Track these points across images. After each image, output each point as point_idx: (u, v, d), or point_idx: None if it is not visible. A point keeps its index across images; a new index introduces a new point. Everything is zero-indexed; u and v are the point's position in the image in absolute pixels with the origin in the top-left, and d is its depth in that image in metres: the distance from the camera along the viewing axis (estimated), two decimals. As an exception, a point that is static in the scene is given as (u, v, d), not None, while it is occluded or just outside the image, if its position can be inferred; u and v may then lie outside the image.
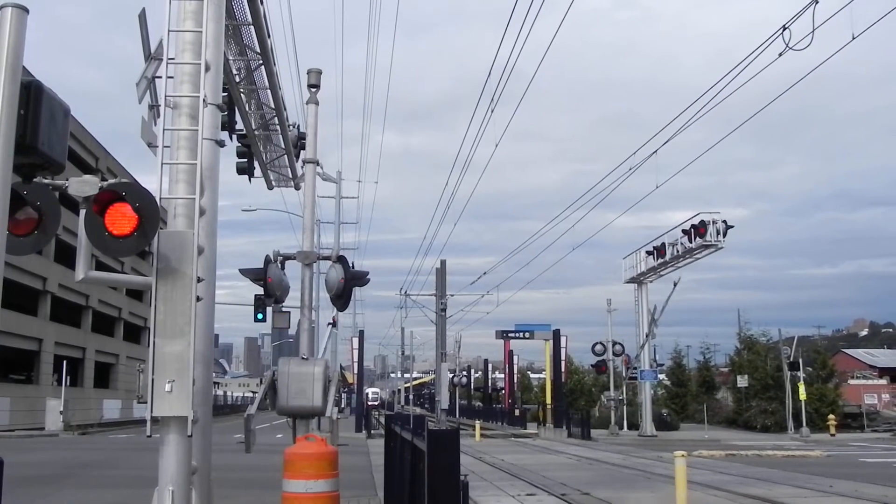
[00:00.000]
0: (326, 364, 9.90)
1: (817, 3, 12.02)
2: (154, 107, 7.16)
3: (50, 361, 45.89)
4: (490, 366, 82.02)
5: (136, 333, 62.63)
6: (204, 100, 6.01)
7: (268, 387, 9.75)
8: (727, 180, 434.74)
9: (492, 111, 17.76)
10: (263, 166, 14.46)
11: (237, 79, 11.27)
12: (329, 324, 13.31)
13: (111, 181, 5.51)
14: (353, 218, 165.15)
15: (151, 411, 5.42)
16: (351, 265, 11.32)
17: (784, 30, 12.77)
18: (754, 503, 13.13)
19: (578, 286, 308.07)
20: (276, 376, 9.60)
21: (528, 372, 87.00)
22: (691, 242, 34.50)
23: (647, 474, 17.86)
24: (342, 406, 53.91)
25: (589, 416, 37.98)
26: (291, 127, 13.42)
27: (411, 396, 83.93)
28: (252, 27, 10.08)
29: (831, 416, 38.23)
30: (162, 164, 5.80)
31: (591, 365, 45.13)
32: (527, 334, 49.65)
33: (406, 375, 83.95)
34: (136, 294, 59.87)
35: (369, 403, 58.31)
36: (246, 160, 13.45)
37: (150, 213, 5.27)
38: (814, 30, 12.00)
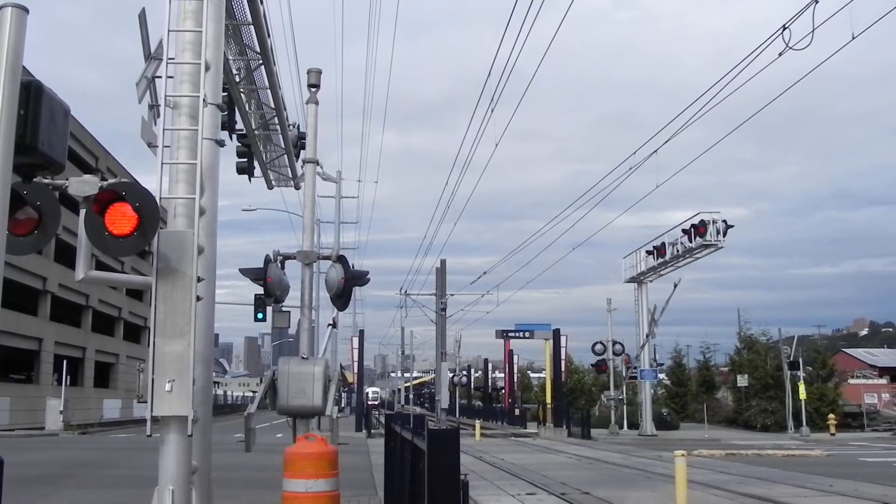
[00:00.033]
0: (326, 363, 9.91)
1: (817, 2, 12.02)
2: (154, 106, 7.16)
3: (50, 361, 45.89)
4: (490, 365, 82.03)
5: (136, 333, 62.63)
6: (204, 100, 6.01)
7: (268, 386, 9.76)
8: (727, 180, 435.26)
9: (492, 111, 17.77)
10: (263, 166, 14.46)
11: (237, 79, 11.27)
12: (329, 325, 13.31)
13: (111, 181, 5.51)
14: (353, 218, 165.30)
15: (151, 411, 5.42)
16: (350, 265, 11.33)
17: (784, 30, 12.77)
18: (754, 502, 13.14)
19: (578, 286, 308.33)
20: (277, 376, 9.61)
21: (528, 371, 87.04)
22: (691, 242, 34.50)
23: (647, 474, 17.86)
24: (342, 405, 53.95)
25: (589, 415, 37.99)
26: (291, 127, 13.42)
27: (411, 396, 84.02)
28: (252, 27, 10.08)
29: (831, 416, 38.23)
30: (162, 163, 5.81)
31: (591, 364, 45.14)
32: (527, 334, 49.65)
33: (406, 375, 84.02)
34: (136, 294, 59.88)
35: (369, 403, 58.32)
36: (246, 160, 13.45)
37: (150, 212, 5.28)
38: (814, 29, 12.00)
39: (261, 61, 11.00)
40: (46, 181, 5.27)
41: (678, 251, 35.69)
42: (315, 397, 9.46)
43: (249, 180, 13.78)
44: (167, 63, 6.02)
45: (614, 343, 40.33)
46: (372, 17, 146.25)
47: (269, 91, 11.98)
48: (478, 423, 40.42)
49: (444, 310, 41.93)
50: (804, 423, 36.72)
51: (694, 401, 49.73)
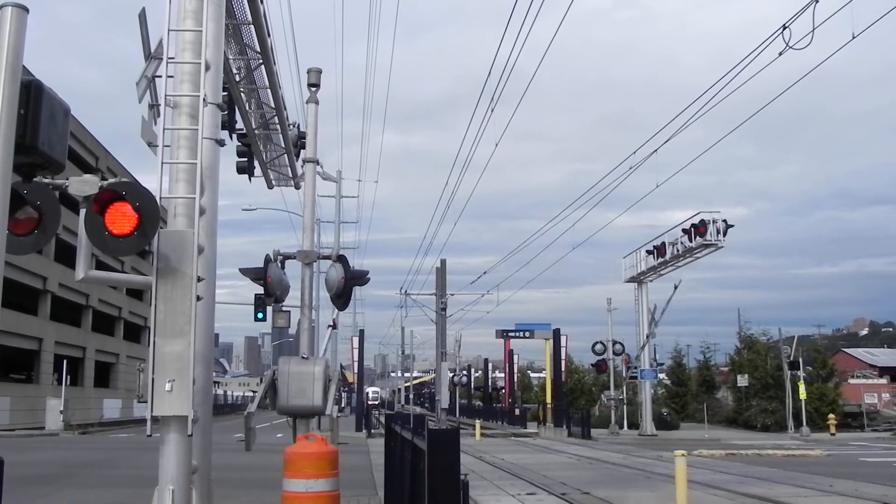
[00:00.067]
0: (327, 363, 9.90)
1: (817, 2, 12.02)
2: (154, 106, 7.15)
3: (50, 361, 45.89)
4: (490, 365, 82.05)
5: (136, 333, 62.63)
6: (204, 99, 6.01)
7: (268, 386, 9.76)
8: (727, 179, 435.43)
9: (492, 111, 17.77)
10: (263, 166, 14.46)
11: (237, 78, 11.27)
12: (329, 326, 13.30)
13: (111, 180, 5.51)
14: (353, 217, 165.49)
15: (152, 411, 5.42)
16: (350, 265, 11.32)
17: (784, 29, 12.76)
18: (754, 502, 13.13)
19: (578, 285, 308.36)
20: (277, 375, 9.60)
21: (529, 371, 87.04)
22: (691, 242, 34.50)
23: (647, 474, 17.86)
24: (342, 405, 53.92)
25: (589, 415, 37.99)
26: (291, 126, 13.41)
27: (411, 396, 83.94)
28: (252, 26, 10.08)
29: (831, 416, 38.24)
30: (162, 163, 5.80)
31: (592, 364, 45.13)
32: (527, 333, 49.65)
33: (406, 375, 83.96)
34: (137, 293, 59.88)
35: (369, 403, 58.31)
36: (246, 159, 13.44)
37: (150, 212, 5.27)
38: (814, 29, 12.00)
39: (261, 61, 11.00)
40: (46, 181, 5.27)
41: (678, 251, 35.69)
42: (315, 397, 9.46)
43: (249, 180, 13.78)
44: (167, 62, 6.02)
45: (614, 343, 40.33)
46: (372, 16, 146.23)
47: (269, 91, 11.97)
48: (478, 422, 40.42)
49: (444, 310, 41.93)
50: (804, 423, 36.73)
51: (694, 401, 49.74)
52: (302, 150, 13.01)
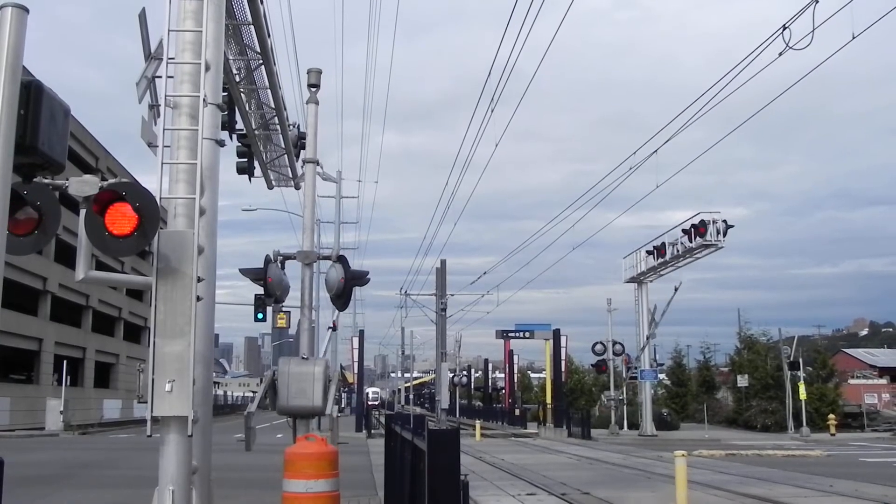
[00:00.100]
0: (327, 364, 9.90)
1: (817, 2, 12.02)
2: (154, 106, 7.16)
3: (50, 361, 45.90)
4: (490, 365, 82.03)
5: (136, 333, 62.64)
6: (204, 99, 6.01)
7: (268, 386, 9.75)
8: (727, 180, 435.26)
9: (492, 111, 17.77)
10: (263, 166, 14.46)
11: (237, 78, 11.27)
12: (329, 328, 13.29)
13: (111, 181, 5.51)
14: (353, 218, 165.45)
15: (152, 411, 5.42)
16: (350, 266, 11.31)
17: (784, 29, 12.77)
18: (755, 503, 13.14)
19: (578, 286, 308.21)
20: (277, 376, 9.60)
21: (529, 371, 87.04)
22: (691, 242, 34.50)
23: (647, 474, 17.86)
24: (342, 406, 53.92)
25: (589, 415, 37.98)
26: (291, 127, 13.41)
27: (411, 396, 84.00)
28: (252, 27, 10.07)
29: (831, 416, 38.23)
30: (162, 163, 5.80)
31: (592, 364, 45.13)
32: (527, 334, 49.64)
33: (406, 375, 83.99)
34: (137, 294, 59.88)
35: (369, 403, 58.31)
36: (246, 160, 13.44)
37: (150, 212, 5.27)
38: (814, 29, 12.00)
39: (261, 61, 10.99)
40: (46, 181, 5.27)
41: (678, 251, 35.70)
42: (315, 397, 9.46)
43: (249, 180, 13.78)
44: (167, 63, 6.02)
45: (614, 343, 40.33)
46: (372, 17, 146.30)
47: (269, 91, 11.97)
48: (478, 423, 40.43)
49: (444, 310, 41.94)
50: (804, 423, 36.71)
51: (694, 401, 49.73)
52: (302, 151, 13.01)
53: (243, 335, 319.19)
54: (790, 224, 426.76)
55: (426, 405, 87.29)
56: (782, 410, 39.89)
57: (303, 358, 9.96)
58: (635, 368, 39.40)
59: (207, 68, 6.08)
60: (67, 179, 5.41)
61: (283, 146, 13.86)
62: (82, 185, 5.42)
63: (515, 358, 67.73)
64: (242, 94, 11.78)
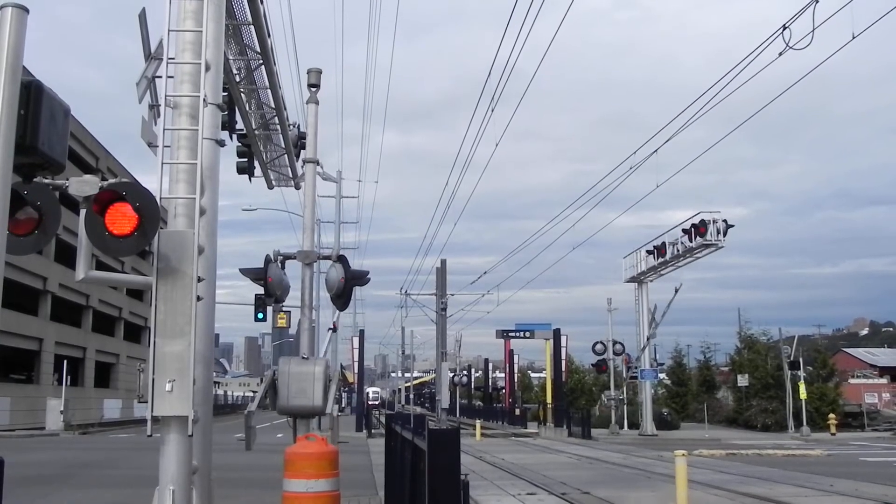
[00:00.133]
0: (327, 363, 9.90)
1: (817, 2, 12.02)
2: (154, 106, 7.16)
3: (50, 361, 45.89)
4: (490, 365, 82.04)
5: (136, 333, 62.64)
6: (204, 99, 6.01)
7: (268, 386, 9.75)
8: (728, 179, 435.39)
9: (492, 111, 17.77)
10: (263, 166, 14.46)
11: (237, 78, 11.27)
12: (330, 329, 13.29)
13: (111, 181, 5.51)
14: (353, 217, 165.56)
15: (152, 411, 5.42)
16: (350, 265, 11.31)
17: (784, 29, 12.77)
18: (755, 502, 13.13)
19: (579, 285, 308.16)
20: (277, 376, 9.60)
21: (529, 371, 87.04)
22: (692, 242, 34.51)
23: (647, 473, 17.86)
24: (342, 405, 53.89)
25: (589, 415, 37.99)
26: (291, 126, 13.41)
27: (412, 396, 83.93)
28: (252, 27, 10.07)
29: (832, 416, 38.24)
30: (162, 163, 5.81)
31: (592, 364, 45.14)
32: (527, 333, 49.63)
33: (406, 375, 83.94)
34: (137, 294, 59.88)
35: (370, 403, 58.30)
36: (246, 160, 13.44)
37: (150, 212, 5.28)
38: (814, 29, 12.00)
39: (261, 61, 11.00)
40: (47, 181, 5.27)
41: (678, 251, 35.70)
42: (315, 397, 9.46)
43: (249, 180, 13.78)
44: (167, 63, 6.02)
45: (615, 343, 40.34)
46: (372, 17, 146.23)
47: (269, 91, 11.97)
48: (478, 422, 40.42)
49: (444, 310, 41.92)
50: (804, 422, 36.73)
51: (694, 401, 49.74)
52: (302, 151, 13.01)
53: (243, 335, 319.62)
54: (790, 224, 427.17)
55: (426, 405, 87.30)
56: (782, 410, 39.89)
57: (303, 358, 9.95)
58: (635, 368, 39.40)
59: (207, 68, 6.08)
60: (67, 179, 5.41)
61: (283, 146, 13.86)
62: (82, 185, 5.42)
63: (516, 358, 67.76)
64: (242, 94, 11.78)
